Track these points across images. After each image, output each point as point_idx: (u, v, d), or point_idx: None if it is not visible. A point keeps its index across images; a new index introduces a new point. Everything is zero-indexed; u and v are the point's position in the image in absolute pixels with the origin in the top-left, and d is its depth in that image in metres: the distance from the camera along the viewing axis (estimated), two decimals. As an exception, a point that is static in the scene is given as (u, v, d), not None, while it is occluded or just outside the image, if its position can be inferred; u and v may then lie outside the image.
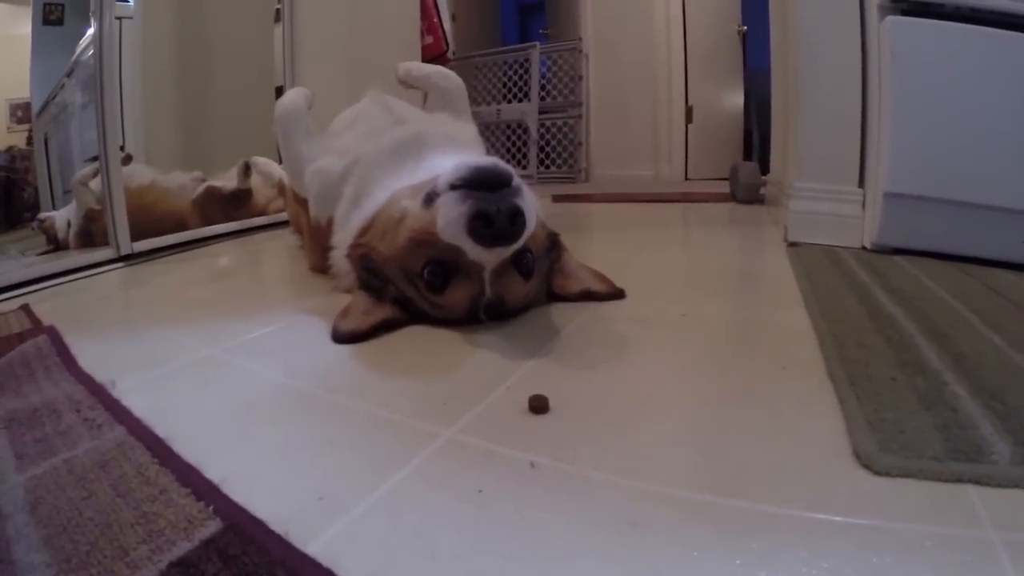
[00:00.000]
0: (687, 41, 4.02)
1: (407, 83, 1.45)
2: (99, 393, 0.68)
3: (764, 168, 2.68)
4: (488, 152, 1.20)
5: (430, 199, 0.82)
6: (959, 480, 0.45)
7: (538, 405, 0.60)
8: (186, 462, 0.51)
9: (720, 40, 4.07)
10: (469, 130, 1.27)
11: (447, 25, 3.68)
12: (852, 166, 1.45)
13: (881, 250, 1.36)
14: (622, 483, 0.47)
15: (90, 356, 0.85)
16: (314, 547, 0.40)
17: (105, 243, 1.81)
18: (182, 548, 0.38)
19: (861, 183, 1.45)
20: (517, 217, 0.74)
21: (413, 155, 1.03)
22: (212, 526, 0.40)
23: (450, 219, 0.76)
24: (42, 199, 2.32)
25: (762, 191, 2.56)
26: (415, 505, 0.45)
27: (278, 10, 2.62)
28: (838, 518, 0.42)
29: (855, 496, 0.44)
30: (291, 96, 1.34)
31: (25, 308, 1.20)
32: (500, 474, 0.49)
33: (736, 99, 4.15)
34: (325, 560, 0.38)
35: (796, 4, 1.51)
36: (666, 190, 3.34)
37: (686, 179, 4.11)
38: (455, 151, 1.04)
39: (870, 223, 1.39)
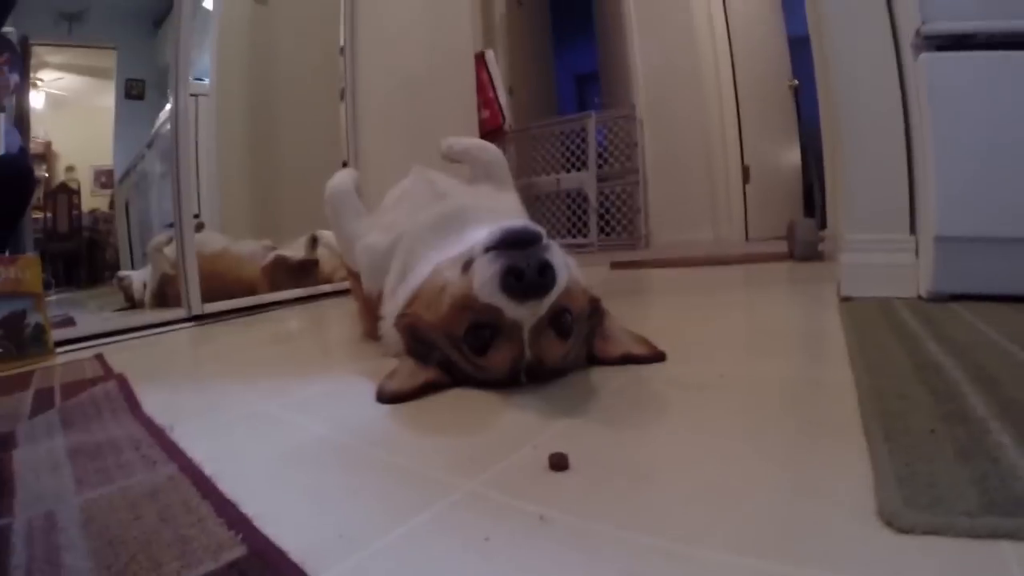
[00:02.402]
0: (739, 100, 4.07)
1: (449, 157, 1.52)
2: (158, 435, 0.75)
3: (826, 224, 2.64)
4: (539, 221, 1.24)
5: (468, 265, 0.87)
6: (993, 536, 0.42)
7: (557, 462, 0.61)
8: (226, 497, 0.56)
9: (773, 97, 4.10)
10: (510, 200, 1.32)
11: (503, 99, 3.86)
12: (902, 213, 1.42)
13: (937, 298, 1.31)
14: (629, 538, 0.47)
15: (154, 403, 0.92)
16: (325, 577, 0.43)
17: (178, 304, 1.95)
18: (208, 567, 0.43)
19: (913, 230, 1.41)
20: (546, 269, 0.78)
21: (455, 228, 1.07)
22: (238, 551, 0.45)
23: (485, 279, 0.80)
24: (122, 260, 2.54)
25: (821, 247, 2.51)
26: (424, 548, 0.48)
27: (343, 89, 2.82)
28: (852, 578, 0.40)
29: (874, 555, 0.42)
30: (340, 177, 1.44)
31: (99, 357, 1.32)
32: (510, 525, 0.50)
33: (793, 155, 4.13)
34: (333, 589, 0.41)
35: (831, 51, 1.52)
36: (724, 252, 3.31)
37: (747, 240, 4.07)
38: (495, 222, 1.09)
39: (924, 270, 1.34)
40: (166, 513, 0.52)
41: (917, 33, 1.30)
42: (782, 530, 0.47)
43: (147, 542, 0.47)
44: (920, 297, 1.36)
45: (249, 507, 0.54)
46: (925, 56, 1.30)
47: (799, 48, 3.87)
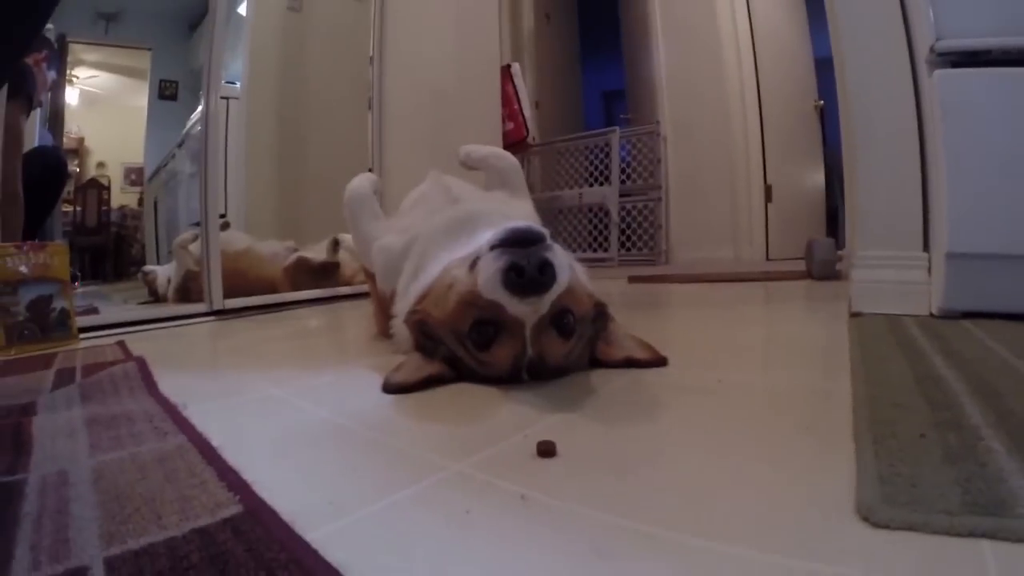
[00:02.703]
0: (763, 119, 4.06)
1: (467, 165, 1.56)
2: (171, 411, 0.79)
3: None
4: (561, 234, 1.26)
5: (475, 263, 0.90)
6: (972, 534, 0.42)
7: (545, 449, 0.63)
8: (228, 465, 0.59)
9: (798, 117, 4.10)
10: (523, 206, 1.35)
11: (528, 112, 3.91)
12: (915, 230, 1.42)
13: (949, 315, 1.30)
14: (604, 519, 0.49)
15: (170, 384, 0.97)
16: (311, 536, 0.46)
17: (200, 300, 2.01)
18: (204, 521, 0.46)
19: (926, 247, 1.41)
20: (546, 267, 0.80)
21: (467, 231, 1.09)
22: (233, 509, 0.48)
23: (488, 275, 0.83)
24: (148, 255, 2.62)
25: (838, 266, 2.50)
26: (407, 517, 0.50)
27: (370, 98, 2.89)
28: (819, 565, 0.41)
29: (845, 547, 0.42)
30: (358, 181, 1.48)
31: (120, 344, 1.37)
32: (491, 502, 0.53)
33: (816, 176, 4.11)
34: (316, 545, 0.44)
35: (848, 67, 1.54)
36: (741, 270, 3.30)
37: (768, 259, 4.04)
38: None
39: (936, 288, 1.33)
40: (171, 476, 0.56)
41: (931, 50, 1.31)
42: (756, 520, 0.48)
43: (151, 498, 0.50)
44: (932, 315, 1.35)
45: (249, 474, 0.57)
46: (939, 72, 1.30)
47: (825, 68, 3.85)
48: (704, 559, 0.43)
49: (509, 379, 0.92)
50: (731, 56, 4.11)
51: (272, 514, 0.48)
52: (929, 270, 1.39)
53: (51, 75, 2.29)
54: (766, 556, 0.42)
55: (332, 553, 0.43)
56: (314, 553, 0.42)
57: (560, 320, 0.91)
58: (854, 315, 1.43)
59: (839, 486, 0.52)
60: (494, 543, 0.46)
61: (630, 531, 0.47)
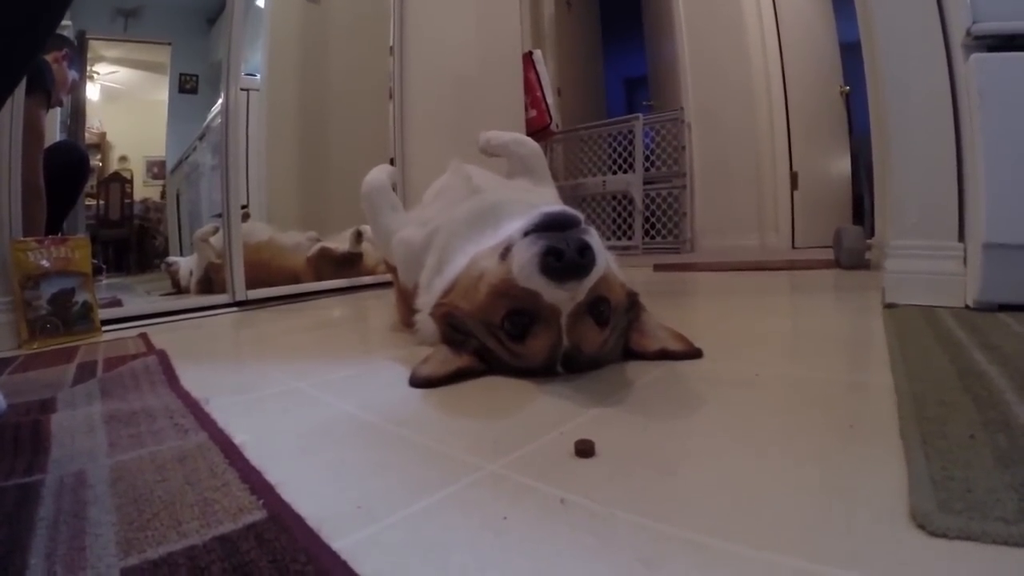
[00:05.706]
0: (789, 105, 3.96)
1: (488, 152, 1.54)
2: (193, 406, 0.78)
3: (874, 232, 2.56)
4: (587, 221, 1.24)
5: (506, 252, 0.87)
6: None
7: (584, 449, 0.60)
8: (251, 465, 0.57)
9: (823, 103, 4.00)
10: (547, 193, 1.32)
11: (551, 99, 3.86)
12: (951, 219, 1.37)
13: (986, 307, 1.25)
14: (647, 525, 0.47)
15: (192, 378, 0.96)
16: (339, 544, 0.43)
17: (223, 291, 2.01)
18: (227, 527, 0.44)
19: (961, 237, 1.36)
20: (586, 250, 0.77)
21: (490, 223, 1.07)
22: (257, 515, 0.46)
23: (524, 261, 0.80)
24: (171, 247, 2.65)
25: (867, 255, 2.44)
26: (440, 523, 0.48)
27: (391, 88, 2.87)
28: (877, 578, 0.38)
29: (902, 557, 0.40)
30: (374, 174, 1.46)
31: (143, 336, 1.38)
32: (529, 506, 0.50)
33: (843, 162, 4.03)
34: (345, 555, 0.42)
35: (881, 53, 1.48)
36: (768, 258, 3.24)
37: (793, 247, 3.97)
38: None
39: (972, 279, 1.28)
40: (192, 477, 0.54)
41: (967, 33, 1.25)
42: (806, 526, 0.45)
43: (171, 502, 0.48)
44: (967, 306, 1.31)
45: (273, 475, 0.55)
46: (975, 57, 1.25)
47: (851, 54, 3.77)
48: (756, 571, 0.40)
49: (543, 371, 0.90)
50: (755, 41, 4.01)
51: (298, 520, 0.45)
52: (965, 261, 1.34)
53: (72, 75, 2.30)
54: (822, 567, 0.40)
55: (362, 564, 0.41)
56: (343, 565, 0.40)
57: (595, 308, 0.88)
58: (888, 306, 1.39)
59: (889, 488, 0.50)
60: (534, 552, 0.44)
61: (677, 539, 0.44)
